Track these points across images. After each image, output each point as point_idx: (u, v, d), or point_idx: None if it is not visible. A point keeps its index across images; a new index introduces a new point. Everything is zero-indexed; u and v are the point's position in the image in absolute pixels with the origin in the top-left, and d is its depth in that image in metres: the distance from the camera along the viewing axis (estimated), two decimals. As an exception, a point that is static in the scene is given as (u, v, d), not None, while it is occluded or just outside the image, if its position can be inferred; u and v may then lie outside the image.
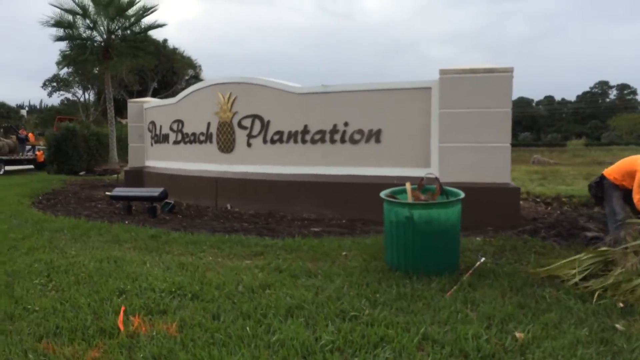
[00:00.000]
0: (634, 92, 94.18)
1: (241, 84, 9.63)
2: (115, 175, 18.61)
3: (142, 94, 39.39)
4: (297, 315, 3.70)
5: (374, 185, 8.12)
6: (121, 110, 43.79)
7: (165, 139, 11.71)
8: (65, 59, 21.15)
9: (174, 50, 38.40)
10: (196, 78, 43.85)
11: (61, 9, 17.43)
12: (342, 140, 8.56)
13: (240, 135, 9.68)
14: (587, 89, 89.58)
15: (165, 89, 42.55)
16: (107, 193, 12.74)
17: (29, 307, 3.97)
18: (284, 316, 3.68)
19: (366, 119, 8.37)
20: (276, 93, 9.20)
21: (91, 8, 17.99)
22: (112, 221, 7.84)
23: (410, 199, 4.69)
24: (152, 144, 12.46)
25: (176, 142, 11.28)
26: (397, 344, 3.21)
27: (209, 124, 10.25)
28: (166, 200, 8.98)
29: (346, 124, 8.51)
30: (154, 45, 22.02)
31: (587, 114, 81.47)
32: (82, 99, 38.97)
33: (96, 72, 24.08)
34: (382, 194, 4.95)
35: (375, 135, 8.31)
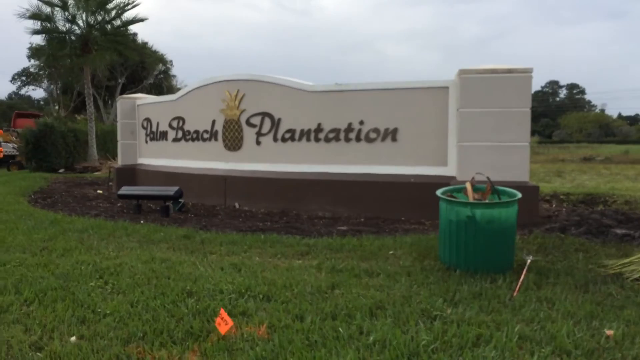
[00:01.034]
0: (583, 92, 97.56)
1: (250, 81, 9.53)
2: (98, 173, 18.19)
3: (111, 89, 38.49)
4: (381, 315, 3.69)
5: (390, 183, 8.22)
6: (77, 107, 42.72)
7: (163, 136, 11.49)
8: (40, 53, 20.44)
9: (144, 44, 37.56)
10: (166, 73, 43.07)
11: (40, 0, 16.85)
12: (358, 139, 8.57)
13: (249, 133, 9.58)
14: (538, 88, 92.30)
15: (134, 84, 41.68)
16: (99, 191, 12.44)
17: (99, 310, 3.85)
18: (368, 316, 3.68)
19: (382, 117, 8.40)
20: (287, 91, 9.14)
21: (70, 0, 17.44)
22: (124, 220, 7.66)
23: (471, 199, 4.74)
24: (146, 142, 12.21)
25: (176, 140, 11.08)
26: (496, 343, 3.24)
27: (213, 122, 10.11)
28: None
29: (361, 123, 8.52)
30: (132, 39, 21.39)
31: (538, 113, 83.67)
32: (52, 94, 37.73)
33: (70, 66, 23.23)
34: (439, 193, 4.98)
35: (391, 134, 8.35)
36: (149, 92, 41.38)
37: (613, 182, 14.56)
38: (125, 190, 9.03)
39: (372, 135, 8.46)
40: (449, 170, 8.06)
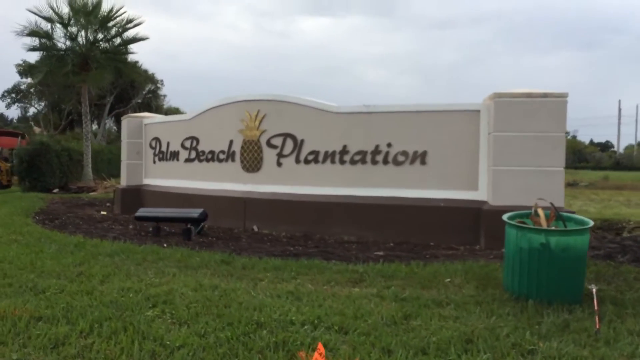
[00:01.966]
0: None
1: (271, 102, 9.35)
2: (94, 193, 17.76)
3: (99, 108, 38.04)
4: (473, 349, 3.48)
5: (418, 207, 8.05)
6: (74, 125, 42.11)
7: (174, 156, 11.21)
8: (35, 70, 20.00)
9: (135, 63, 37.26)
10: (154, 92, 42.78)
11: (40, 16, 16.54)
12: (385, 162, 8.41)
13: (269, 155, 9.37)
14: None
15: (122, 103, 41.29)
16: (103, 212, 12.07)
17: (167, 342, 3.57)
18: (462, 351, 3.46)
19: (411, 140, 8.26)
20: (311, 112, 8.97)
21: (70, 17, 17.14)
22: (145, 243, 7.35)
23: (544, 225, 4.57)
24: (154, 162, 11.91)
25: (189, 160, 10.81)
26: (610, 381, 3.05)
27: (231, 142, 9.88)
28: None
29: (389, 145, 8.37)
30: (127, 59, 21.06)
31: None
32: (41, 112, 37.10)
33: (64, 84, 22.85)
34: (506, 218, 4.81)
35: (420, 157, 8.21)
36: (136, 111, 41.08)
37: (609, 207, 14.60)
38: (143, 212, 8.71)
39: (401, 158, 8.31)
40: (479, 194, 7.92)
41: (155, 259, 6.14)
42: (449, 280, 5.21)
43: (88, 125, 18.73)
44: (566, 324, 3.94)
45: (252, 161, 9.55)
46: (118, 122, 44.31)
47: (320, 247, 7.49)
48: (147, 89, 40.43)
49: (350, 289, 4.97)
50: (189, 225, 8.04)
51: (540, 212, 4.65)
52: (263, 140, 9.42)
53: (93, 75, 18.34)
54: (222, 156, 10.08)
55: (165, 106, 42.69)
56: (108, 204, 14.64)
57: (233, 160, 9.88)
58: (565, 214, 4.93)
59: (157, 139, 11.81)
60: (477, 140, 7.92)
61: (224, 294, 4.67)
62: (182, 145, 10.94)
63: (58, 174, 18.18)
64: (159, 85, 40.52)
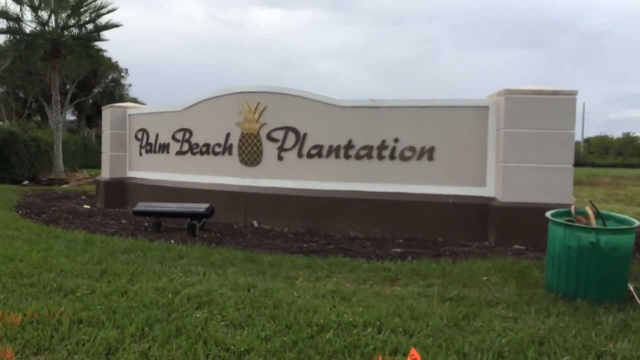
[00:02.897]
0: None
1: (272, 94, 9.14)
2: (66, 185, 17.13)
3: (60, 96, 36.63)
4: (549, 352, 3.44)
5: (426, 203, 8.03)
6: (31, 114, 40.46)
7: (163, 148, 10.86)
8: (3, 54, 19.01)
9: (98, 51, 36.03)
10: (117, 82, 41.51)
11: (9, -2, 15.71)
12: (392, 157, 8.34)
13: (269, 148, 9.17)
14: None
15: (83, 92, 39.92)
16: (87, 206, 11.62)
17: (231, 347, 3.41)
18: (537, 353, 3.42)
19: (418, 135, 8.21)
20: (315, 105, 8.82)
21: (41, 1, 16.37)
22: (151, 239, 7.08)
23: (593, 224, 4.58)
24: (141, 154, 11.53)
25: (181, 153, 10.49)
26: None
27: (228, 135, 9.63)
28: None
29: (396, 140, 8.30)
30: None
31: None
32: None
33: (30, 70, 21.84)
34: (550, 215, 4.79)
35: (427, 153, 8.17)
36: (100, 101, 39.77)
37: (604, 203, 14.96)
38: (143, 206, 8.38)
39: (408, 153, 8.25)
40: (487, 190, 7.94)
41: (174, 256, 5.89)
42: (485, 278, 5.18)
43: (58, 114, 17.98)
44: (625, 324, 3.94)
45: (251, 155, 9.33)
46: (79, 112, 42.94)
47: (333, 243, 7.37)
48: (109, 77, 39.08)
49: (390, 287, 4.88)
50: (193, 221, 7.77)
51: (590, 211, 4.65)
52: (263, 134, 9.21)
53: (68, 62, 17.56)
54: (217, 149, 9.81)
55: (128, 96, 41.48)
56: (84, 197, 14.15)
57: (230, 153, 9.63)
58: (604, 212, 4.95)
59: (143, 131, 11.42)
60: (485, 136, 7.94)
61: (266, 294, 4.51)
62: (173, 138, 10.61)
63: (27, 165, 17.42)
64: (122, 74, 39.24)
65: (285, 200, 8.91)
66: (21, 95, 34.19)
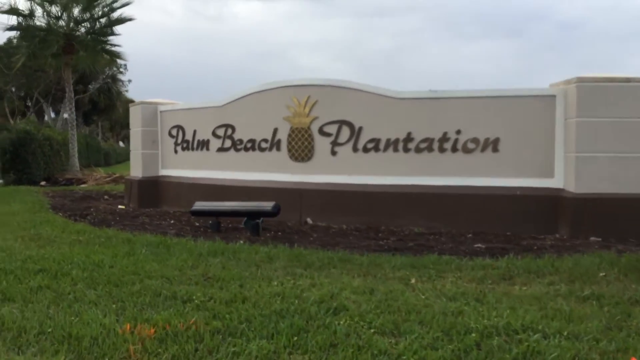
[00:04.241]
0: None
1: (324, 87, 8.91)
2: (84, 185, 16.77)
3: (58, 95, 36.01)
4: None
5: (491, 196, 7.85)
6: (26, 112, 39.70)
7: (202, 145, 10.57)
8: (19, 52, 18.45)
9: (113, 46, 35.28)
10: (113, 78, 40.90)
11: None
12: (454, 149, 8.14)
13: (322, 143, 8.93)
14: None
15: (79, 88, 39.25)
16: (120, 207, 11.33)
17: (401, 357, 3.20)
18: None
19: (482, 127, 8.02)
20: (371, 97, 8.59)
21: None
22: (213, 240, 6.83)
23: None
24: (176, 151, 11.23)
25: (222, 150, 10.21)
26: None
27: (275, 130, 9.37)
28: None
29: (458, 132, 8.10)
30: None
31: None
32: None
33: (36, 67, 21.36)
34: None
35: (492, 144, 7.98)
36: (98, 97, 39.24)
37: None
38: (200, 206, 8.11)
39: (471, 145, 8.06)
40: (555, 182, 7.78)
41: (263, 258, 5.66)
42: (603, 274, 5.00)
43: (73, 111, 17.57)
44: None
45: (301, 150, 9.08)
46: (76, 109, 42.19)
47: (406, 240, 7.17)
48: (106, 73, 38.41)
49: (510, 286, 4.69)
50: (256, 220, 7.53)
51: None
52: (314, 128, 8.97)
53: (82, 58, 17.12)
54: (264, 145, 9.55)
55: (127, 92, 40.92)
56: (106, 197, 13.85)
57: (278, 149, 9.37)
58: None
59: (179, 127, 11.11)
60: (552, 126, 7.76)
61: (391, 297, 4.31)
62: (214, 134, 10.32)
63: (42, 165, 17.02)
64: (121, 70, 38.62)
65: (340, 196, 8.69)
66: (20, 94, 33.52)
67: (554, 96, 7.73)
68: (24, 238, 6.81)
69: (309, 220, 8.80)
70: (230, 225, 8.17)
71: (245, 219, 7.96)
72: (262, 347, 3.36)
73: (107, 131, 65.80)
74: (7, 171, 16.23)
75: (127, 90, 41.48)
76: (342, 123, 8.75)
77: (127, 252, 5.83)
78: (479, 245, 6.68)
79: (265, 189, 9.23)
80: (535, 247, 6.48)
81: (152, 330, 3.65)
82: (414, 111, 8.36)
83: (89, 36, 17.22)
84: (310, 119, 8.96)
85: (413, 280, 4.84)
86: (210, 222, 7.94)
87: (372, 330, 3.63)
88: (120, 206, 11.42)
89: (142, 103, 11.76)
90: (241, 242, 6.87)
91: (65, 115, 39.55)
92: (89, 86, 39.93)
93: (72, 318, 3.91)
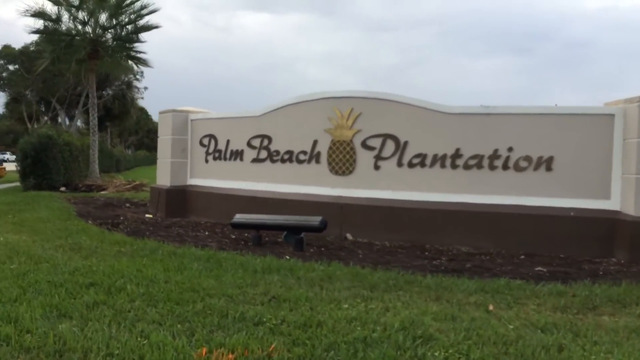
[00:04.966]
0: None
1: (368, 99, 8.65)
2: (104, 192, 16.54)
3: (71, 102, 35.98)
4: None
5: (544, 216, 7.55)
6: (39, 117, 39.61)
7: (236, 155, 10.31)
8: (42, 56, 18.32)
9: (138, 52, 35.20)
10: (128, 85, 40.86)
11: (46, -3, 15.12)
12: (505, 167, 7.84)
13: (364, 157, 8.66)
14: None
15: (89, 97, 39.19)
16: (148, 216, 11.07)
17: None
18: None
19: (535, 144, 7.73)
20: (418, 111, 8.32)
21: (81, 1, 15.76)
22: (259, 254, 6.54)
23: None
24: (207, 161, 10.97)
25: (258, 161, 9.95)
26: None
27: (315, 142, 9.11)
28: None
29: (510, 149, 7.81)
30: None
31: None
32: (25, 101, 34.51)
33: (56, 72, 21.23)
34: None
35: (545, 163, 7.68)
36: (112, 104, 39.17)
37: None
38: (241, 218, 7.83)
39: (523, 163, 7.76)
40: (612, 204, 7.46)
41: (322, 277, 5.36)
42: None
43: (95, 117, 17.37)
44: None
45: (342, 163, 8.81)
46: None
47: (457, 260, 6.87)
48: (122, 79, 38.34)
49: (598, 317, 4.37)
50: (301, 235, 7.24)
51: None
52: (357, 141, 8.70)
53: (107, 64, 16.95)
54: (302, 157, 9.28)
55: (143, 99, 40.84)
56: (128, 204, 13.58)
57: (318, 161, 9.10)
58: None
59: (211, 136, 10.87)
60: (609, 145, 7.46)
61: (477, 326, 3.99)
62: (249, 144, 10.06)
63: (62, 170, 16.79)
64: (137, 77, 38.54)
65: (382, 212, 8.40)
66: (36, 98, 33.44)
67: (612, 115, 7.44)
68: (64, 248, 6.54)
69: (349, 236, 8.50)
70: (267, 239, 7.85)
71: (285, 233, 7.68)
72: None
73: (115, 137, 65.82)
74: (27, 176, 16.00)
75: (142, 98, 41.40)
76: (386, 137, 8.48)
77: (177, 266, 5.55)
78: (540, 268, 6.36)
79: (303, 202, 8.96)
80: (601, 272, 6.16)
81: (231, 356, 3.35)
82: (463, 126, 8.08)
83: (115, 42, 17.09)
84: (353, 132, 8.70)
85: (491, 307, 4.52)
86: (252, 235, 7.64)
87: (476, 365, 3.31)
88: (147, 215, 11.15)
89: (173, 111, 11.52)
90: (287, 257, 6.57)
91: (79, 123, 39.57)
92: (103, 92, 39.85)
93: (139, 339, 3.62)
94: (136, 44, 17.54)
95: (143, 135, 70.26)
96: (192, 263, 5.69)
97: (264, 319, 4.01)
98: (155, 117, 73.06)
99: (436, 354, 3.44)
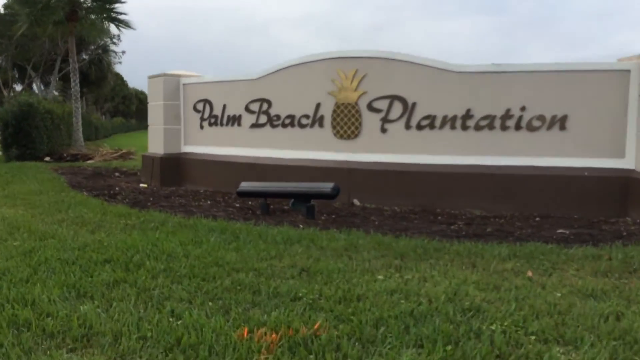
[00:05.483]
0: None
1: (374, 59, 8.31)
2: (91, 161, 16.07)
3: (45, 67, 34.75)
4: None
5: (557, 177, 7.39)
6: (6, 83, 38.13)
7: (234, 121, 9.95)
8: (17, 19, 17.42)
9: (119, 14, 33.73)
10: (104, 49, 39.43)
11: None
12: (517, 127, 7.63)
13: (370, 120, 8.37)
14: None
15: (65, 62, 37.93)
16: (142, 185, 10.73)
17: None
18: None
19: (549, 103, 7.51)
20: (426, 71, 8.02)
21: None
22: (268, 223, 6.30)
23: None
24: (202, 127, 10.59)
25: (256, 126, 9.61)
26: None
27: (318, 105, 8.78)
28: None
29: (523, 109, 7.59)
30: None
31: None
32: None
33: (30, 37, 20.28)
34: None
35: (559, 122, 7.48)
36: (88, 69, 37.90)
37: None
38: (248, 186, 7.53)
39: (536, 123, 7.55)
40: (626, 162, 7.32)
41: (347, 246, 5.14)
42: None
43: (77, 83, 16.69)
44: None
45: (347, 127, 8.52)
46: (65, 82, 40.77)
47: (473, 224, 6.69)
48: (97, 43, 36.87)
49: (643, 281, 4.22)
50: (312, 202, 7.00)
51: None
52: (362, 104, 8.40)
53: (87, 26, 16.19)
54: (305, 121, 8.96)
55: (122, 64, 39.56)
56: (117, 174, 13.20)
57: (321, 125, 8.79)
58: None
59: (205, 101, 10.46)
60: (624, 103, 7.28)
61: (522, 294, 3.82)
62: (247, 109, 9.69)
63: (45, 139, 16.21)
64: (114, 40, 37.14)
65: (390, 176, 8.18)
66: (9, 64, 32.22)
67: (628, 71, 7.23)
68: (67, 222, 6.20)
69: (356, 202, 8.28)
70: (272, 207, 7.59)
71: (292, 200, 7.42)
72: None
73: (91, 104, 64.36)
74: (10, 146, 15.40)
75: (120, 62, 40.16)
76: (393, 98, 8.19)
77: (192, 239, 5.27)
78: (562, 231, 6.21)
79: (306, 168, 8.69)
80: (624, 233, 6.04)
81: (275, 336, 3.12)
82: (474, 86, 7.82)
83: (94, 3, 16.29)
84: (358, 94, 8.38)
85: (530, 274, 4.35)
86: (260, 204, 7.37)
87: (533, 338, 3.13)
88: (142, 185, 10.79)
89: (164, 75, 11.03)
90: (301, 226, 6.33)
91: (56, 92, 38.34)
92: (78, 57, 38.51)
93: (171, 320, 3.37)
94: (116, 5, 16.76)
95: (119, 102, 68.60)
96: (207, 235, 5.41)
97: (300, 294, 3.79)
98: (131, 83, 71.45)
99: (492, 327, 3.25)
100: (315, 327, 3.25)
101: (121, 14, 17.22)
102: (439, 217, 7.26)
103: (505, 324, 3.30)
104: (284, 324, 3.27)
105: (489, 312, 3.49)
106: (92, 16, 16.70)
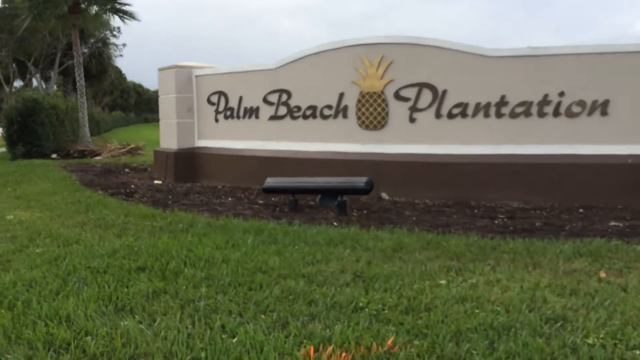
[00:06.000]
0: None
1: (400, 45, 7.92)
2: (99, 157, 15.70)
3: (45, 61, 34.25)
4: None
5: (599, 165, 7.02)
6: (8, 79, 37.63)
7: (251, 113, 9.57)
8: (18, 13, 16.98)
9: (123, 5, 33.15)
10: (104, 42, 38.92)
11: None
12: (556, 114, 7.25)
13: (398, 109, 7.99)
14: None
15: (68, 55, 37.44)
16: (157, 182, 10.37)
17: None
18: None
19: (589, 87, 7.13)
20: (457, 56, 7.63)
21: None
22: (300, 221, 5.95)
23: None
24: (216, 120, 10.21)
25: (276, 118, 9.22)
26: None
27: (341, 95, 8.40)
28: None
29: (561, 94, 7.20)
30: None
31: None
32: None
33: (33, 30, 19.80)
34: None
35: (600, 107, 7.10)
36: (88, 63, 37.40)
37: None
38: (274, 182, 7.15)
39: (576, 108, 7.17)
40: (672, 148, 6.95)
41: (392, 246, 4.78)
42: None
43: (82, 79, 16.28)
44: None
45: (373, 117, 8.14)
46: (65, 76, 40.33)
47: (517, 218, 6.33)
48: (97, 36, 36.35)
49: None
50: (343, 198, 6.63)
51: None
52: (389, 92, 8.01)
53: (90, 18, 15.76)
54: (327, 112, 8.58)
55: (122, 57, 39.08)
56: (127, 170, 12.84)
57: (345, 116, 8.41)
58: None
59: (220, 93, 10.07)
60: (670, 86, 6.89)
61: (605, 299, 3.46)
62: (265, 100, 9.31)
63: (51, 136, 15.83)
64: (115, 33, 36.60)
65: (420, 167, 7.82)
66: (5, 60, 31.71)
67: (674, 52, 6.83)
68: (89, 225, 5.84)
69: (384, 195, 7.92)
70: (300, 203, 7.23)
71: (320, 196, 7.06)
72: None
73: (90, 98, 63.87)
74: (15, 143, 15.01)
75: (121, 55, 39.59)
76: (422, 86, 7.80)
77: (226, 242, 4.91)
78: (615, 223, 5.85)
79: (329, 161, 8.34)
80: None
81: (345, 356, 2.77)
82: (509, 71, 7.43)
83: (97, -6, 15.86)
84: (384, 82, 8.00)
85: (603, 274, 3.99)
86: (288, 200, 7.01)
87: (637, 352, 2.78)
88: (156, 181, 10.43)
89: (176, 67, 10.63)
90: (335, 224, 5.98)
91: (55, 86, 37.84)
92: (81, 50, 38.02)
93: (224, 337, 3.02)
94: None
95: (117, 95, 68.10)
96: (242, 237, 5.05)
97: (360, 304, 3.43)
98: (129, 77, 70.85)
99: (589, 340, 2.89)
100: (389, 343, 2.91)
101: (125, 4, 16.79)
102: (476, 211, 6.90)
103: (601, 336, 2.95)
104: (351, 340, 2.92)
105: (577, 322, 3.14)
106: (96, 8, 16.20)
